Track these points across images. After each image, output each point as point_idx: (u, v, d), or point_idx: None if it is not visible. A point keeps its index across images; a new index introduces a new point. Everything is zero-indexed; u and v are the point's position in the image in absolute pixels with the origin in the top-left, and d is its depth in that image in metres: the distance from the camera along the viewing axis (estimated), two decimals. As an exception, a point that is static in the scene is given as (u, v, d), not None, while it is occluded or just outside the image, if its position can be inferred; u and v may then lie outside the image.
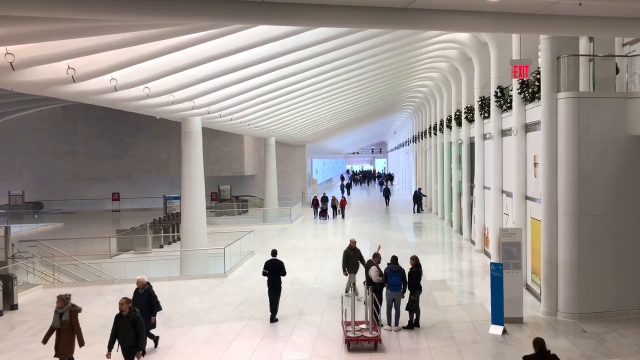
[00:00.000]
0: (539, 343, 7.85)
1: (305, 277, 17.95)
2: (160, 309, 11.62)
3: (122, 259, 21.64)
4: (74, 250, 22.07)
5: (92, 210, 42.08)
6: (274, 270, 13.24)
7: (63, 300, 9.89)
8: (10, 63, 10.62)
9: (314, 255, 22.28)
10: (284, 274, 13.28)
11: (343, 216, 34.89)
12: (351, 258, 15.25)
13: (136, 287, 11.62)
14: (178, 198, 30.47)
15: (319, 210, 35.11)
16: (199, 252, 19.59)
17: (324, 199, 35.39)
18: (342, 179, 73.93)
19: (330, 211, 35.50)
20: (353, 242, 15.51)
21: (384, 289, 12.70)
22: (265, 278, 13.53)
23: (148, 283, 11.56)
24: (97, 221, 35.94)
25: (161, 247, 25.52)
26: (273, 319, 13.22)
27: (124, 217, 38.11)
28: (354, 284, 14.84)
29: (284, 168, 46.12)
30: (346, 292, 14.83)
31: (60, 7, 7.44)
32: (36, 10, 7.41)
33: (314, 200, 36.28)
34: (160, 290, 16.66)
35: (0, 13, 7.39)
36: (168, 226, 27.79)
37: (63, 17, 8.17)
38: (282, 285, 13.57)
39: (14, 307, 14.90)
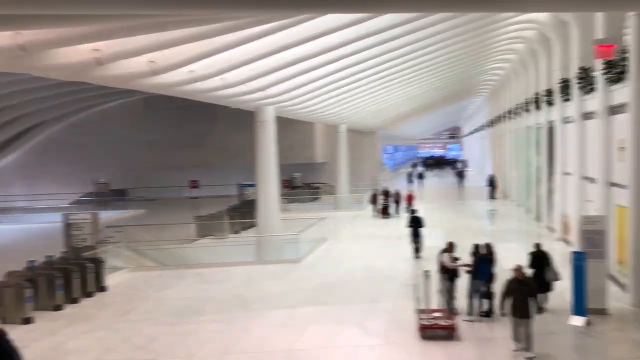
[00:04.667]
0: (519, 269, 10.35)
1: (378, 264, 17.96)
2: None
3: (201, 244, 22.46)
4: (156, 235, 23.06)
5: (172, 198, 43.78)
6: (416, 222, 18.64)
7: None
8: (97, 58, 11.21)
9: (386, 242, 22.23)
10: (423, 226, 18.72)
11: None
12: (516, 293, 10.13)
13: None
14: (252, 185, 31.16)
15: (378, 207, 30.10)
16: (273, 238, 20.02)
17: (386, 193, 30.20)
18: (414, 166, 72.10)
19: (392, 208, 29.87)
20: (517, 270, 10.36)
21: (466, 278, 12.46)
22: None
23: (1, 330, 8.43)
24: (177, 208, 37.39)
25: (237, 232, 26.22)
26: (418, 256, 18.22)
27: (202, 204, 39.45)
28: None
29: (355, 155, 46.03)
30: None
31: (144, 5, 7.74)
32: (122, 8, 7.77)
33: (372, 195, 31.18)
34: (237, 275, 17.28)
35: (88, 12, 7.82)
36: (243, 213, 28.50)
37: (145, 14, 8.52)
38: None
39: (103, 288, 15.82)
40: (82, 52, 11.26)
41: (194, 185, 44.26)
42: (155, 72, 12.77)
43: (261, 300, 14.34)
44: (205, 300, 14.53)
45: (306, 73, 17.61)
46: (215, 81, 15.33)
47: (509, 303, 10.20)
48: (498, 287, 12.31)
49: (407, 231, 20.28)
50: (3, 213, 36.20)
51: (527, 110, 28.18)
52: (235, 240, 23.35)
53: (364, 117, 34.91)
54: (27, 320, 12.80)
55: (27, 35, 9.76)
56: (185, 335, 11.87)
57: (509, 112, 34.29)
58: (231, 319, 12.87)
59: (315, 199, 38.56)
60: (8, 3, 6.76)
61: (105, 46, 11.25)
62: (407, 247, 19.47)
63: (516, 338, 10.28)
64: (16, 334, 12.06)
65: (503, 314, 10.45)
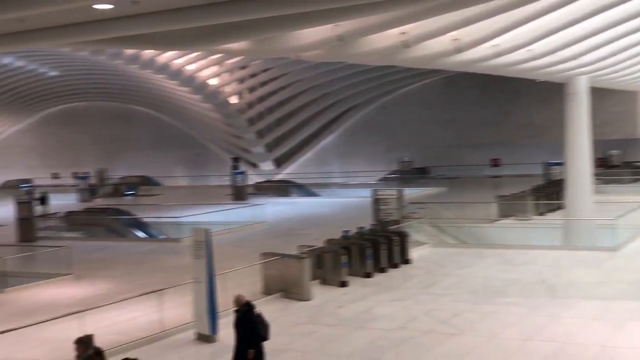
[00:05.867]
0: None
1: None
2: (263, 339, 8.64)
3: (502, 224, 21.83)
4: (457, 213, 23.26)
5: (472, 176, 43.65)
6: None
7: (84, 343, 7.29)
8: (404, 41, 11.70)
9: None
10: None
11: None
12: None
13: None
14: (559, 164, 28.96)
15: None
16: (585, 222, 18.24)
17: None
18: None
19: None
20: None
21: None
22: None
23: (247, 303, 8.89)
24: (476, 187, 37.12)
25: (541, 214, 24.75)
26: None
27: (504, 183, 38.34)
28: None
29: (693, 128, 38.78)
30: None
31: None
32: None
33: None
34: (541, 259, 16.30)
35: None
36: (549, 193, 26.75)
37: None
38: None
39: (407, 261, 16.63)
40: (390, 36, 11.90)
41: (496, 163, 43.27)
42: (459, 50, 12.75)
43: (570, 288, 13.24)
44: (507, 282, 14.09)
45: (631, 34, 15.36)
46: (521, 53, 14.57)
47: None
48: None
49: None
50: (323, 187, 41.15)
51: None
52: (539, 222, 22.06)
53: None
54: (343, 284, 14.30)
55: (344, 26, 10.73)
56: (486, 314, 11.72)
57: None
58: (536, 304, 12.20)
59: (638, 180, 33.79)
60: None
61: (412, 29, 11.66)
62: None
63: None
64: (333, 295, 13.65)
65: None
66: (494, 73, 17.73)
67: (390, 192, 21.40)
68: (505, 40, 13.47)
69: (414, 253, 17.21)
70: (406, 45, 11.96)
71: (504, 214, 23.71)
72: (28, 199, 25.56)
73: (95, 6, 8.86)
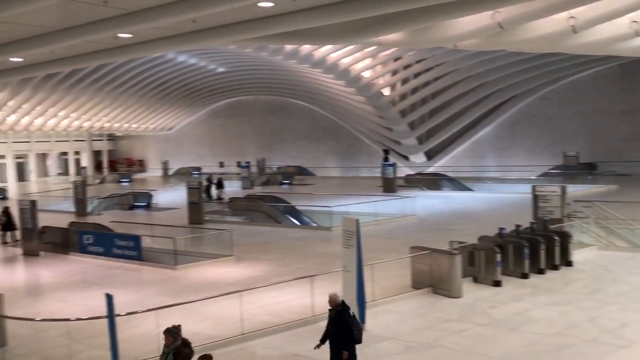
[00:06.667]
0: None
1: None
2: (357, 342, 8.33)
3: (685, 228, 19.35)
4: (630, 214, 21.10)
5: (649, 173, 39.30)
6: None
7: (172, 334, 7.26)
8: (572, 26, 10.81)
9: None
10: None
11: None
12: None
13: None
14: None
15: None
16: None
17: None
18: None
19: None
20: None
21: None
22: None
23: (342, 303, 8.58)
24: (654, 185, 33.35)
25: None
26: None
27: (688, 183, 33.96)
28: None
29: None
30: None
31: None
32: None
33: None
34: None
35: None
36: None
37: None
38: None
39: (569, 263, 15.48)
40: (557, 22, 11.07)
41: (679, 160, 38.53)
42: (639, 33, 11.47)
43: None
44: (691, 294, 12.50)
45: None
46: None
47: None
48: None
49: None
50: (477, 182, 39.65)
51: None
52: None
53: None
54: (496, 283, 13.68)
55: (504, 12, 10.18)
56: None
57: None
58: None
59: None
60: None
61: (582, 12, 10.73)
62: None
63: None
64: (486, 294, 13.14)
65: None
66: (680, 58, 15.69)
67: (552, 189, 20.01)
68: (696, 19, 11.83)
69: (576, 255, 16.00)
70: (575, 30, 11.03)
71: (688, 217, 21.01)
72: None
73: (259, 4, 9.38)
